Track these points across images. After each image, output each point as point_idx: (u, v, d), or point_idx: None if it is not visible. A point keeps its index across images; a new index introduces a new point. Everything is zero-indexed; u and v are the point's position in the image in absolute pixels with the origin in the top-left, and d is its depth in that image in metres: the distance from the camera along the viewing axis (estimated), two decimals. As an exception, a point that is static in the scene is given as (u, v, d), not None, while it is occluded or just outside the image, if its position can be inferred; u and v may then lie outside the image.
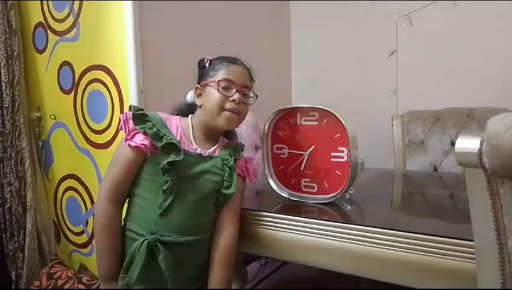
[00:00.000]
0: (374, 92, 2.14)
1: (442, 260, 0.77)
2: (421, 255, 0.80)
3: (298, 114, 1.10)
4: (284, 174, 1.14)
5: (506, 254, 0.59)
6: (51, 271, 1.62)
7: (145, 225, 0.94)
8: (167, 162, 0.91)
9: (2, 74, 1.65)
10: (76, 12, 1.57)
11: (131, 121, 0.94)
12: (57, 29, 1.66)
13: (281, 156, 1.14)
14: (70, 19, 1.60)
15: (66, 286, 1.51)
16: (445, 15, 1.91)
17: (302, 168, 1.10)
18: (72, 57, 1.62)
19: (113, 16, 1.46)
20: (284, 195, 1.13)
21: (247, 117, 1.79)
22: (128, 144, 0.93)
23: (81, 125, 1.61)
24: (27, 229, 1.73)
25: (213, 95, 0.99)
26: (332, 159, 1.05)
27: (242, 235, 1.03)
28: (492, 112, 1.62)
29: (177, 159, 0.92)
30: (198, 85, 1.05)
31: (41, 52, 1.75)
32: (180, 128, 1.01)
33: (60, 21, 1.64)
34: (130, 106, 0.98)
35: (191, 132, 1.02)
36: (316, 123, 1.07)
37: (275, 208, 1.06)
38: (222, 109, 0.99)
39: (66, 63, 1.65)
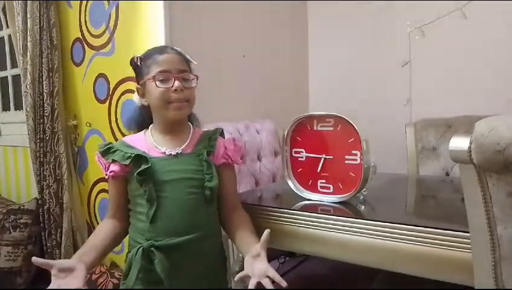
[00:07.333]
0: (389, 101, 2.22)
1: (444, 250, 0.85)
2: (427, 246, 0.87)
3: (315, 121, 1.19)
4: (302, 176, 1.23)
5: (496, 240, 0.68)
6: (85, 267, 1.75)
7: (141, 234, 1.01)
8: (137, 173, 0.98)
9: (44, 86, 1.81)
10: (112, 29, 1.72)
11: (102, 158, 1.04)
12: (94, 44, 1.82)
13: (299, 159, 1.23)
14: (106, 35, 1.75)
15: (100, 280, 1.64)
16: (456, 27, 1.98)
17: (318, 171, 1.19)
18: (107, 69, 1.77)
19: (146, 33, 1.61)
20: (302, 195, 1.22)
21: (266, 125, 1.92)
22: (108, 177, 1.04)
23: (115, 132, 1.75)
24: (63, 228, 1.87)
25: (154, 91, 1.00)
26: (346, 162, 1.14)
27: (263, 231, 1.13)
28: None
29: (146, 167, 0.98)
30: (138, 86, 1.07)
31: (78, 65, 1.91)
32: (144, 141, 1.06)
33: (97, 36, 1.80)
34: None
35: (152, 138, 1.06)
36: (332, 129, 1.16)
37: (294, 206, 1.15)
38: (168, 102, 1.00)
39: (101, 75, 1.80)
